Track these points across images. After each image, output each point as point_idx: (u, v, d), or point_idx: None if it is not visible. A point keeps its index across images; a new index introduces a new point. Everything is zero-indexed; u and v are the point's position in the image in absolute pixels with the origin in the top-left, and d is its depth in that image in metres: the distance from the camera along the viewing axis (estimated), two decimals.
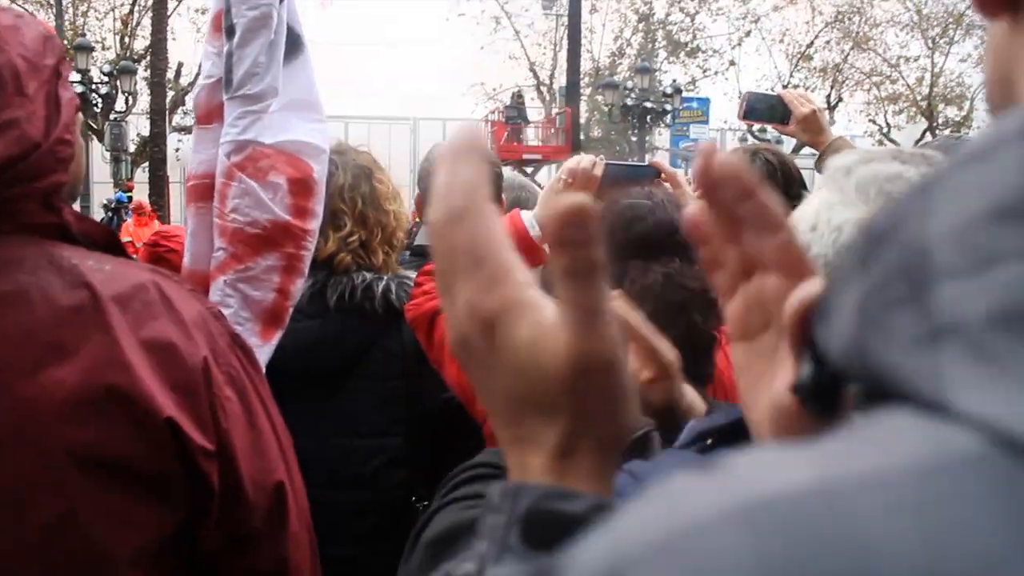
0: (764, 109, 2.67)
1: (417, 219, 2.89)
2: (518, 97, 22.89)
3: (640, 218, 1.35)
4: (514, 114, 21.92)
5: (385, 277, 2.19)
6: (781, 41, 27.40)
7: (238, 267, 1.71)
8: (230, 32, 1.75)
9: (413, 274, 2.22)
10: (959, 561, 0.27)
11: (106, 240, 1.23)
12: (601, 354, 0.48)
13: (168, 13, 19.39)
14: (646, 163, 2.46)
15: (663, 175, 2.16)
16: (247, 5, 1.73)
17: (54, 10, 20.52)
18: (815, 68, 27.16)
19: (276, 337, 1.76)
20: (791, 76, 27.06)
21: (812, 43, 27.03)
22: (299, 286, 1.79)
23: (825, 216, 1.09)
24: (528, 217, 1.96)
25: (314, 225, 1.78)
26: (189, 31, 21.81)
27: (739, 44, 27.40)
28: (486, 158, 0.54)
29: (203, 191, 1.78)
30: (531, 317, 0.49)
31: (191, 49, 21.21)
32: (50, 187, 1.15)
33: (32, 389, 1.06)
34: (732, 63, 27.48)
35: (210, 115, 1.80)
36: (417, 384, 2.21)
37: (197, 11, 21.51)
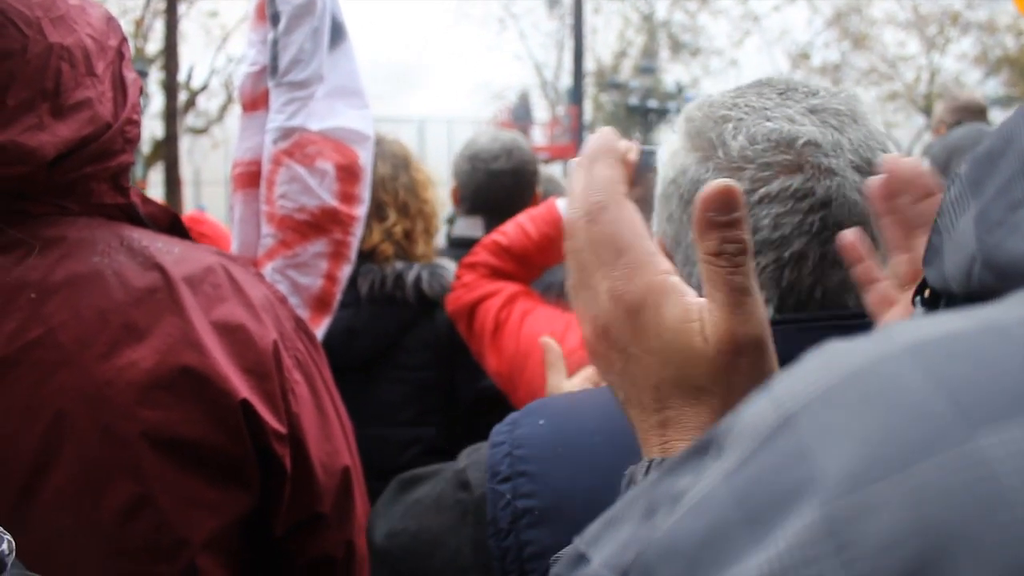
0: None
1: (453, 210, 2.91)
2: (524, 97, 22.90)
3: None
4: (521, 114, 21.91)
5: (416, 266, 2.19)
6: (781, 41, 27.40)
7: (287, 253, 1.71)
8: (275, 19, 1.75)
9: (449, 263, 2.23)
10: None
11: (170, 222, 1.23)
12: (752, 334, 0.49)
13: (179, 16, 19.39)
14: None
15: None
16: None
17: None
18: (814, 67, 27.14)
19: (325, 323, 1.77)
20: (791, 75, 27.02)
21: (811, 42, 27.03)
22: (346, 272, 1.79)
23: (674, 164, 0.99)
24: (564, 205, 1.97)
25: (361, 211, 1.78)
26: (199, 34, 21.83)
27: (740, 44, 27.41)
28: (620, 159, 0.56)
29: (249, 178, 1.78)
30: (677, 300, 0.50)
31: (202, 51, 21.20)
32: (119, 167, 1.15)
33: (107, 370, 1.05)
34: (733, 63, 27.48)
35: (255, 102, 1.81)
36: (451, 374, 2.22)
37: (208, 14, 21.52)
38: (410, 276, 2.17)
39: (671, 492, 0.36)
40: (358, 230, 1.80)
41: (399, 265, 2.18)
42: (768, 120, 0.88)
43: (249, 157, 1.79)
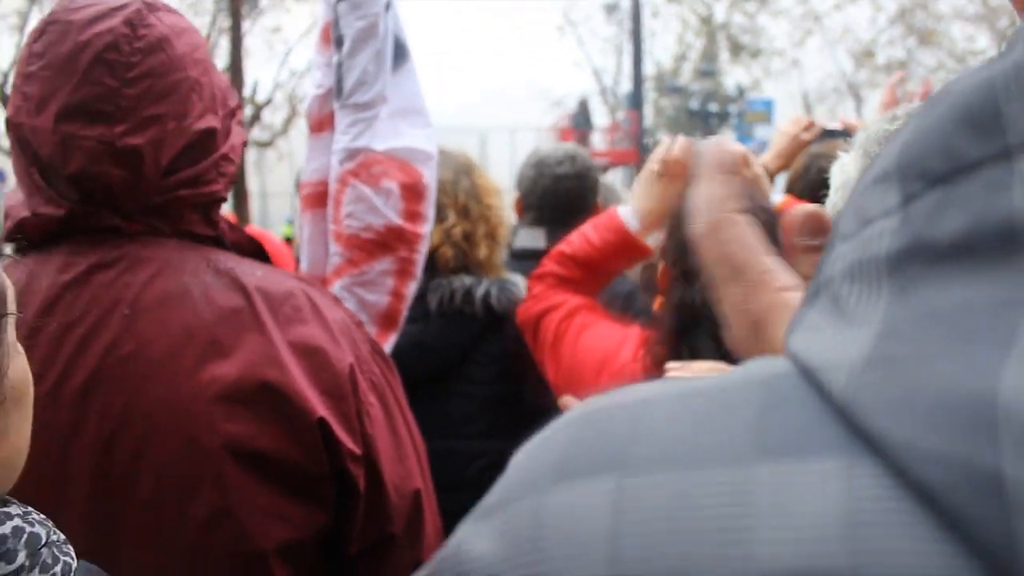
0: None
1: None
2: (584, 103, 22.89)
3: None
4: (581, 120, 21.93)
5: (485, 281, 2.20)
6: (844, 39, 26.98)
7: (354, 271, 1.75)
8: (339, 43, 1.78)
9: (516, 278, 2.25)
10: (679, 443, 0.34)
11: (252, 249, 1.30)
12: None
13: (243, 33, 19.77)
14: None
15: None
16: (355, 15, 1.77)
17: None
18: (879, 65, 26.68)
19: (392, 340, 1.79)
20: (855, 74, 26.63)
21: (875, 40, 26.56)
22: (412, 289, 1.81)
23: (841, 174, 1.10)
24: (626, 213, 1.99)
25: (426, 229, 1.80)
26: (263, 49, 22.25)
27: (801, 43, 27.05)
28: (734, 173, 0.57)
29: (317, 198, 1.82)
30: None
31: (265, 66, 21.59)
32: (210, 196, 1.21)
33: (193, 384, 1.10)
34: (795, 63, 27.15)
35: (321, 124, 1.84)
36: (519, 387, 2.24)
37: (271, 30, 21.92)
38: (479, 291, 2.19)
39: None
40: (423, 247, 1.82)
41: (468, 280, 2.20)
42: (887, 123, 0.94)
43: (316, 178, 1.83)
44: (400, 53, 1.85)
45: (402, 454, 1.24)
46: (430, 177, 1.82)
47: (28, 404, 0.81)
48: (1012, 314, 0.27)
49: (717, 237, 0.55)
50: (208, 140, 1.21)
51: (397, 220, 1.75)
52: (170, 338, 1.12)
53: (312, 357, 1.16)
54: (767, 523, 0.30)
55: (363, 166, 1.75)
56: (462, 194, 2.22)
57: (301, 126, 1.91)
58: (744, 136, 22.60)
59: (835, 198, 1.04)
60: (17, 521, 0.75)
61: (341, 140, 1.77)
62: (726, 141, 0.62)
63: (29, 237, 1.19)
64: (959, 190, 0.30)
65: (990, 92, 0.30)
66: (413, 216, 1.77)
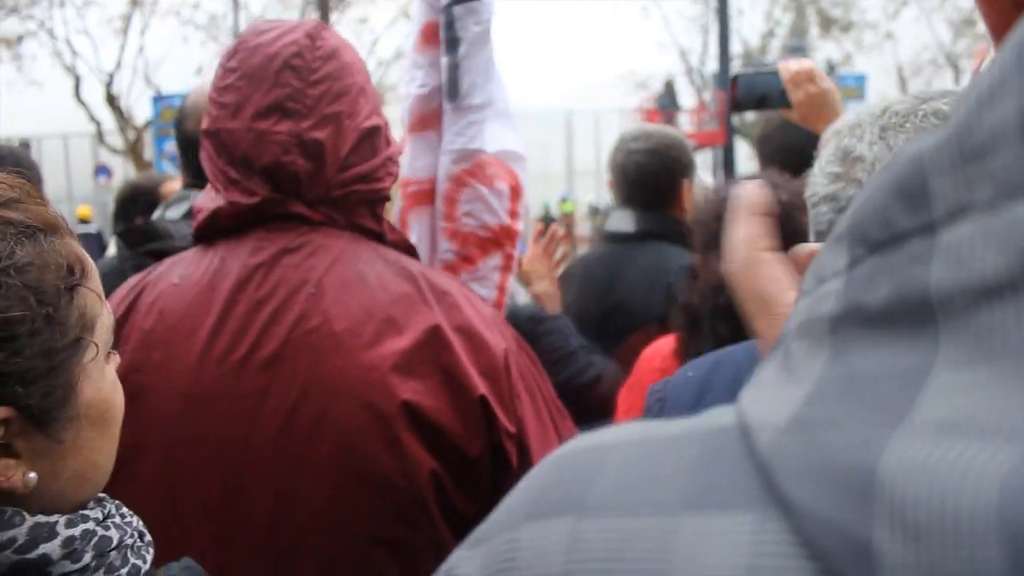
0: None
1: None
2: (670, 84, 22.72)
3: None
4: (667, 102, 21.76)
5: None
6: (942, 7, 26.15)
7: (469, 268, 1.83)
8: (451, 44, 1.81)
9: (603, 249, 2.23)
10: (621, 492, 0.37)
11: (407, 248, 1.45)
12: None
13: (332, 24, 20.15)
14: (773, 69, 2.12)
15: (795, 74, 2.03)
16: (473, 19, 1.80)
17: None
18: (980, 34, 25.78)
19: None
20: (953, 45, 25.81)
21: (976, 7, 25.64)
22: (511, 283, 1.90)
23: None
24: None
25: (522, 226, 1.89)
26: (351, 39, 22.69)
27: (896, 15, 26.32)
28: (764, 212, 0.62)
29: (423, 196, 1.87)
30: None
31: None
32: (378, 193, 1.39)
33: (372, 357, 1.26)
34: (889, 36, 26.44)
35: (425, 122, 1.87)
36: None
37: (359, 21, 22.31)
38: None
39: None
40: (519, 244, 1.91)
41: None
42: (849, 138, 1.02)
43: (423, 176, 1.86)
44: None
45: (547, 441, 1.36)
46: (524, 177, 1.90)
47: (110, 426, 0.86)
48: (914, 384, 0.29)
49: (749, 274, 0.60)
50: (376, 138, 1.39)
51: (507, 220, 1.84)
52: (350, 316, 1.28)
53: (471, 340, 1.31)
54: (680, 571, 0.33)
55: (479, 167, 1.81)
56: None
57: (387, 113, 1.92)
58: None
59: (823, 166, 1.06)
60: (91, 525, 0.81)
61: (457, 141, 1.82)
62: (758, 184, 0.67)
63: (223, 225, 1.36)
64: (889, 259, 0.32)
65: (919, 167, 0.31)
66: (515, 215, 1.86)
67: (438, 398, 1.26)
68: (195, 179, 2.17)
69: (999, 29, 0.40)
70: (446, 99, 1.83)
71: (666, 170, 2.64)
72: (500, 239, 1.83)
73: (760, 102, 2.13)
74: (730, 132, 17.30)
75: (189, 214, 2.00)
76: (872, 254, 0.33)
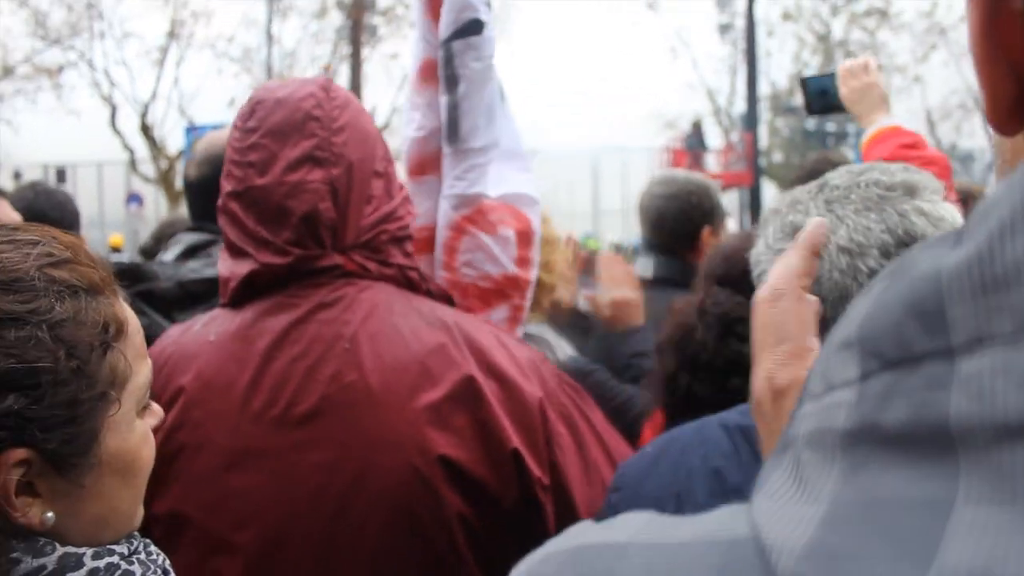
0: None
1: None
2: (697, 125, 22.78)
3: (737, 251, 1.60)
4: (694, 142, 21.81)
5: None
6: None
7: None
8: (451, 81, 1.70)
9: (549, 334, 2.10)
10: None
11: (441, 293, 1.48)
12: None
13: (363, 60, 20.45)
14: (834, 70, 2.23)
15: (850, 67, 2.09)
16: (472, 56, 1.70)
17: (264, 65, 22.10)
18: None
19: None
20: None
21: None
22: (520, 334, 1.80)
23: None
24: None
25: (534, 274, 1.78)
26: (381, 76, 22.92)
27: (925, 59, 26.30)
28: (817, 251, 0.64)
29: (422, 244, 1.73)
30: None
31: (384, 92, 22.20)
32: (405, 232, 1.43)
33: (409, 411, 1.28)
34: (917, 79, 26.41)
35: (423, 167, 1.77)
36: None
37: (389, 57, 22.56)
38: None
39: None
40: (530, 292, 1.79)
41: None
42: (792, 214, 1.06)
43: (422, 223, 1.74)
44: (501, 95, 1.80)
45: (591, 479, 1.38)
46: (536, 222, 1.80)
47: (134, 476, 0.91)
48: (938, 518, 0.28)
49: (776, 304, 0.62)
50: (391, 180, 1.44)
51: (513, 268, 1.73)
52: (386, 370, 1.31)
53: (506, 390, 1.33)
54: None
55: (480, 213, 1.71)
56: None
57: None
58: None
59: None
60: (115, 559, 0.86)
61: (457, 186, 1.71)
62: (822, 222, 0.68)
63: (257, 286, 1.38)
64: (906, 380, 0.31)
65: (937, 288, 0.31)
66: (524, 262, 1.75)
67: (473, 451, 1.28)
68: (195, 221, 2.20)
69: (999, 97, 0.42)
70: (445, 141, 1.73)
71: (685, 216, 2.63)
72: (505, 289, 1.72)
73: (825, 103, 2.22)
74: (757, 173, 17.33)
75: (182, 255, 2.07)
76: (886, 370, 0.32)
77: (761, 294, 0.64)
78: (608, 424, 1.48)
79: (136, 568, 0.87)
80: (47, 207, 2.72)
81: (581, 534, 0.41)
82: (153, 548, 0.94)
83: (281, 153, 1.36)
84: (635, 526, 0.40)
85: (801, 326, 0.60)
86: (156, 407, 0.96)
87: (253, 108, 1.41)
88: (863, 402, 0.33)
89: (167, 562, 0.94)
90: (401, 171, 1.71)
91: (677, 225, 2.63)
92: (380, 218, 1.40)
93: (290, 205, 1.34)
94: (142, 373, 0.91)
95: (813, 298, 0.62)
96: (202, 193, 2.11)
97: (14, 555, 0.80)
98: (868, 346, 0.33)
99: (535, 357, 1.43)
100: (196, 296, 1.88)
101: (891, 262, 0.36)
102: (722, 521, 0.37)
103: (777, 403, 0.60)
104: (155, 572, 0.90)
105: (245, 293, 1.39)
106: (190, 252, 2.08)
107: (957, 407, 0.29)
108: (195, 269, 1.98)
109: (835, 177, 1.06)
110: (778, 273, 0.64)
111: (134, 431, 0.90)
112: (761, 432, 0.63)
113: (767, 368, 0.61)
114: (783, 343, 0.60)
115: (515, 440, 1.30)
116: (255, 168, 1.37)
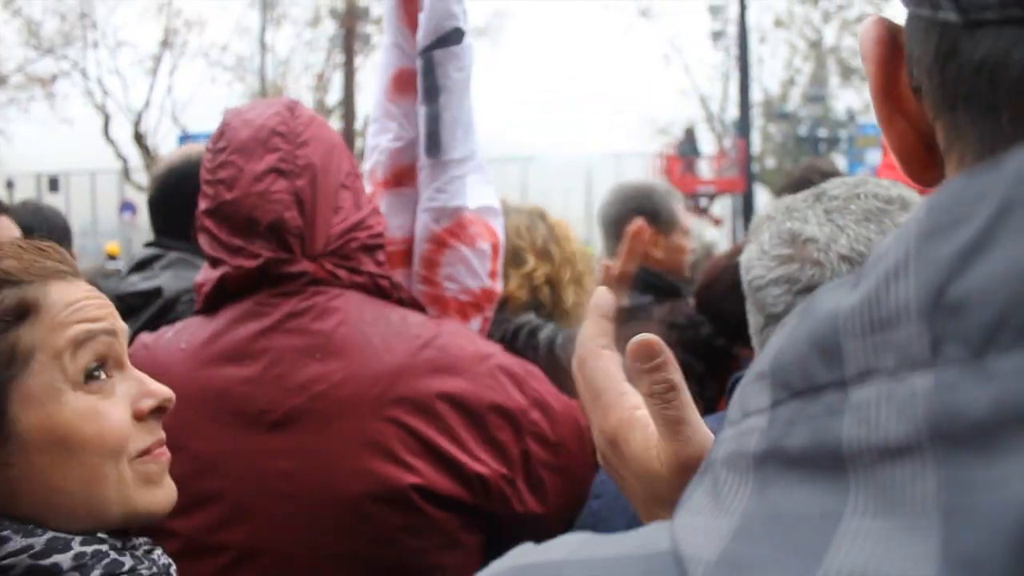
0: None
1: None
2: (690, 131, 22.87)
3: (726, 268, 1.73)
4: (687, 148, 21.89)
5: (551, 326, 1.99)
6: None
7: None
8: (431, 92, 1.65)
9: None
10: None
11: (413, 301, 1.51)
12: (694, 455, 0.59)
13: (356, 68, 20.51)
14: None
15: None
16: (454, 65, 1.65)
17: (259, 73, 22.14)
18: None
19: None
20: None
21: None
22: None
23: None
24: None
25: (500, 286, 1.77)
26: (374, 83, 22.99)
27: None
28: (604, 314, 0.67)
29: (398, 257, 1.69)
30: (640, 433, 0.62)
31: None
32: (376, 241, 1.46)
33: (377, 423, 1.30)
34: None
35: (399, 178, 1.72)
36: None
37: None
38: (544, 333, 1.97)
39: None
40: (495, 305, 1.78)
41: (535, 319, 2.02)
42: (789, 221, 1.08)
43: (398, 235, 1.69)
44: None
45: (570, 479, 1.43)
46: (502, 234, 1.77)
47: (73, 453, 0.87)
48: (829, 527, 0.31)
49: (585, 367, 0.66)
50: (359, 190, 1.49)
51: (488, 282, 1.71)
52: (356, 381, 1.32)
53: (478, 398, 1.35)
54: None
55: (460, 226, 1.67)
56: (539, 238, 2.09)
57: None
58: (855, 162, 22.22)
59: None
60: (104, 547, 0.86)
61: (438, 198, 1.66)
62: (604, 291, 0.71)
63: (230, 291, 1.41)
64: (808, 408, 0.35)
65: (835, 326, 0.35)
66: (495, 275, 1.73)
67: (441, 461, 1.31)
68: (158, 236, 2.24)
69: (907, 151, 0.45)
70: (425, 153, 1.67)
71: (627, 219, 2.63)
72: (480, 303, 1.70)
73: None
74: (750, 179, 17.40)
75: (131, 269, 2.14)
76: (792, 399, 0.36)
77: (573, 365, 0.68)
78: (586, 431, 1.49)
79: (127, 559, 0.88)
80: (35, 223, 2.75)
81: (521, 555, 0.44)
82: (159, 552, 0.94)
83: (247, 167, 1.40)
84: (572, 546, 0.43)
85: (609, 378, 0.65)
86: (106, 380, 0.91)
87: (223, 130, 1.47)
88: (772, 427, 0.36)
89: (173, 568, 0.94)
90: (367, 182, 1.71)
91: (619, 228, 2.65)
92: (349, 227, 1.43)
93: (257, 215, 1.38)
94: (64, 338, 0.87)
95: (612, 352, 0.67)
96: (157, 211, 2.26)
97: (4, 533, 0.83)
98: (779, 377, 0.37)
99: (514, 362, 1.45)
100: (132, 308, 1.93)
101: (802, 302, 0.39)
102: (647, 536, 0.40)
103: (615, 449, 0.63)
104: (150, 568, 0.90)
105: (218, 298, 1.41)
106: (138, 266, 2.13)
107: (848, 431, 0.33)
108: (133, 283, 2.03)
109: (832, 188, 1.10)
110: (579, 342, 0.68)
111: (64, 404, 0.87)
112: (616, 481, 0.67)
113: (596, 424, 0.65)
114: (600, 396, 0.65)
115: (482, 451, 1.32)
116: (224, 184, 1.41)
